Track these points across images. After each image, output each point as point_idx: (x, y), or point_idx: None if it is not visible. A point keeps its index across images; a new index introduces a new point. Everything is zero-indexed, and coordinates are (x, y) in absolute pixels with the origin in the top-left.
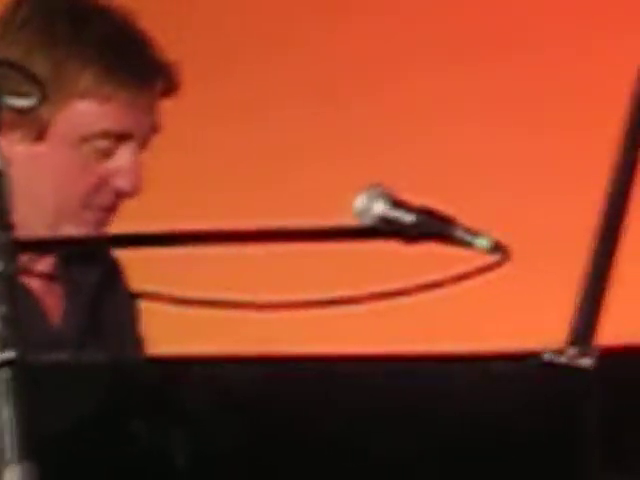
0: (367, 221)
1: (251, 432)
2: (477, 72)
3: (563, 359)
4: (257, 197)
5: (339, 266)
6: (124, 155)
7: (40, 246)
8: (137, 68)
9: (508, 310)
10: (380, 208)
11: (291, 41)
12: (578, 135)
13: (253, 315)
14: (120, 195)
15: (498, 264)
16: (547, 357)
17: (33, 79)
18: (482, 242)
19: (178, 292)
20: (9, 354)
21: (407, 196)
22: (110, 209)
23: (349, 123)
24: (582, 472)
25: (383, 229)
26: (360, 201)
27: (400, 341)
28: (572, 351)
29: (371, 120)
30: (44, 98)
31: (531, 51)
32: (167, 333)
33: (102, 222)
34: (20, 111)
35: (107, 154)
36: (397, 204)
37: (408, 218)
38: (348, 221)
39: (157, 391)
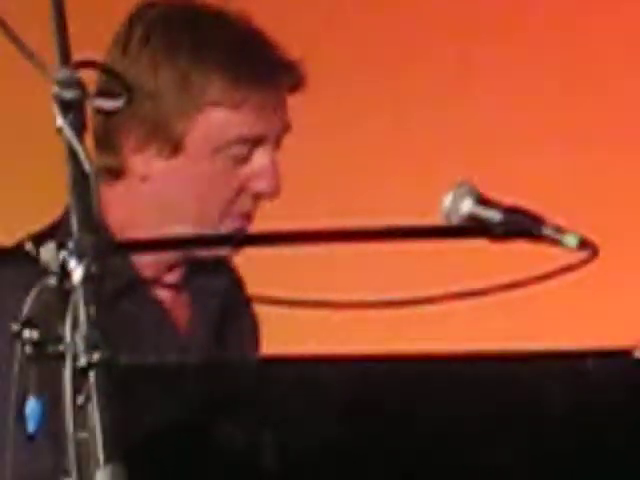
0: (455, 220)
1: (342, 433)
2: None
3: None
4: (344, 198)
5: (426, 265)
6: (260, 158)
7: (142, 247)
8: (263, 70)
9: (597, 307)
10: (468, 206)
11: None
12: None
13: (345, 315)
14: (259, 198)
15: (587, 261)
16: (637, 354)
17: (119, 80)
18: (570, 240)
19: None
20: (97, 355)
21: (494, 194)
22: (249, 215)
23: (437, 122)
24: None
25: (471, 228)
26: (448, 200)
27: (489, 340)
28: None
29: (463, 119)
30: (131, 99)
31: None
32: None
33: (242, 229)
34: (107, 113)
35: (244, 160)
36: (484, 202)
37: (496, 216)
38: (436, 220)
39: (249, 392)
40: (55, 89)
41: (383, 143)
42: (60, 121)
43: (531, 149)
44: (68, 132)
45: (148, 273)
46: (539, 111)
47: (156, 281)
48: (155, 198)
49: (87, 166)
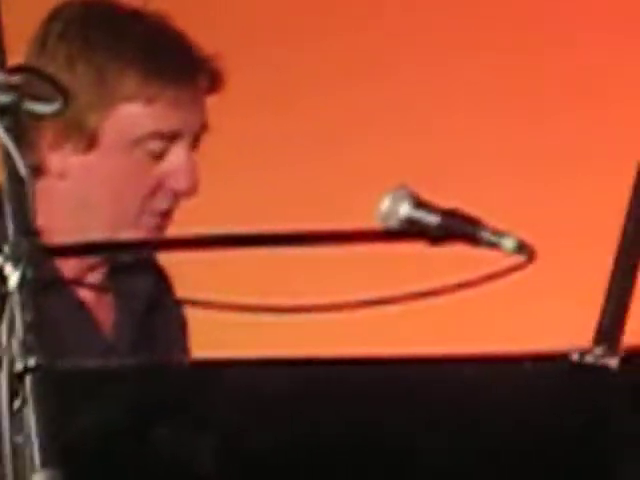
0: (392, 223)
1: (279, 436)
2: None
3: (590, 359)
4: (279, 202)
5: (363, 269)
6: (176, 155)
7: (69, 251)
8: (178, 65)
9: (534, 310)
10: (405, 210)
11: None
12: (607, 128)
13: (280, 319)
14: (177, 196)
15: (524, 264)
16: (574, 357)
17: (55, 84)
18: (508, 243)
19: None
20: (33, 360)
21: (430, 196)
22: (167, 213)
23: (355, 120)
24: (612, 471)
25: (408, 231)
26: (385, 203)
27: (426, 343)
28: (599, 351)
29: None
30: (66, 104)
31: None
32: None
33: (160, 227)
34: (42, 117)
35: (159, 156)
36: (422, 205)
37: (433, 219)
38: (373, 223)
39: (184, 395)
40: None
41: (324, 147)
42: None
43: (467, 154)
44: (3, 136)
45: (70, 274)
46: (473, 118)
47: (78, 282)
48: (72, 195)
49: (23, 170)
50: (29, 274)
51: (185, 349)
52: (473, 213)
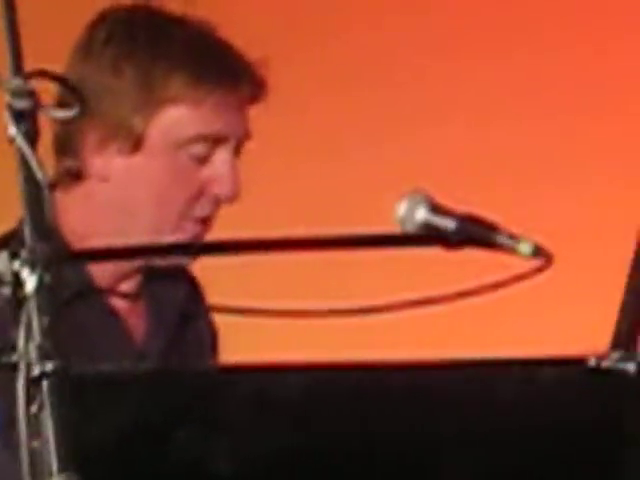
0: (409, 228)
1: (293, 441)
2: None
3: (607, 364)
4: (302, 207)
5: (381, 274)
6: (220, 159)
7: (95, 256)
8: (225, 70)
9: (551, 315)
10: (422, 214)
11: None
12: (628, 129)
13: (298, 323)
14: (218, 202)
15: (541, 269)
16: (591, 362)
17: (72, 89)
18: (525, 247)
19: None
20: (50, 365)
21: (447, 201)
22: (208, 220)
23: (372, 126)
24: (628, 476)
25: (425, 236)
26: (402, 207)
27: (442, 348)
28: (615, 355)
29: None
30: (84, 108)
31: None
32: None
33: (201, 234)
34: (62, 122)
35: (203, 160)
36: (439, 210)
37: (450, 224)
38: (389, 228)
39: (200, 400)
40: (7, 98)
41: (340, 151)
42: (12, 130)
43: (484, 159)
44: (20, 141)
45: (103, 282)
46: (491, 123)
47: (111, 290)
48: (115, 199)
49: (40, 175)
50: (46, 279)
51: (216, 357)
52: (490, 217)
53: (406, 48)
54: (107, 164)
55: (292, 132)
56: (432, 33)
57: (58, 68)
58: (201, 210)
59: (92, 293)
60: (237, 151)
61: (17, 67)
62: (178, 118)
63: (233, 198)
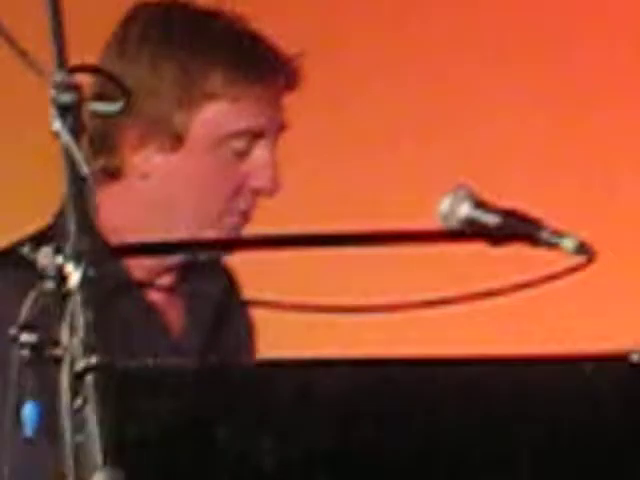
0: (453, 224)
1: (338, 436)
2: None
3: None
4: (342, 202)
5: (425, 269)
6: (260, 153)
7: (137, 251)
8: (262, 63)
9: (594, 311)
10: (465, 210)
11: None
12: None
13: (345, 319)
14: (258, 195)
15: (584, 265)
16: (634, 358)
17: (117, 83)
18: (568, 243)
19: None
20: (94, 359)
21: (490, 197)
22: (247, 213)
23: (417, 122)
24: None
25: (469, 231)
26: (445, 203)
27: (486, 344)
28: None
29: (462, 127)
30: (129, 102)
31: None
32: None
33: (239, 227)
34: (100, 119)
35: (243, 154)
36: (482, 206)
37: (493, 220)
38: (433, 224)
39: (243, 396)
40: (52, 93)
41: (382, 147)
42: (57, 125)
43: (528, 154)
44: (65, 136)
45: (141, 276)
46: (536, 119)
47: (149, 284)
48: (155, 196)
49: (84, 169)
50: (90, 273)
51: (253, 352)
52: (533, 213)
53: (450, 44)
54: (147, 162)
55: (335, 127)
56: (474, 25)
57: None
58: (240, 204)
59: (131, 287)
60: (274, 143)
61: (61, 61)
62: (218, 114)
63: (273, 191)
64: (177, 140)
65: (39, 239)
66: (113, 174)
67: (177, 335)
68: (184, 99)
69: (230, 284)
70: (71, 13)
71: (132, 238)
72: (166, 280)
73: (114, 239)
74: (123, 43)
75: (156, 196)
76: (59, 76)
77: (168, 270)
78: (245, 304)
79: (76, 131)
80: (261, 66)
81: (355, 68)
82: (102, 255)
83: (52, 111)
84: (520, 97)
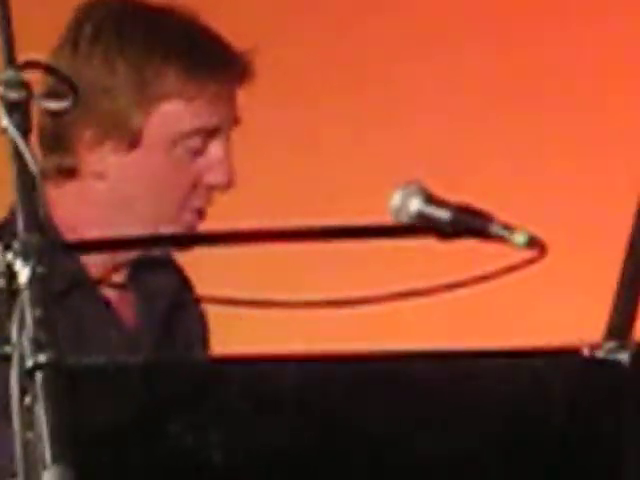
0: (403, 218)
1: (288, 431)
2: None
3: (601, 354)
4: (291, 196)
5: (374, 265)
6: (215, 150)
7: (88, 248)
8: (216, 61)
9: (545, 305)
10: (416, 205)
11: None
12: (618, 122)
13: (288, 314)
14: (213, 191)
15: (535, 259)
16: (585, 352)
17: (65, 80)
18: (519, 238)
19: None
20: (43, 357)
21: (441, 192)
22: (203, 210)
23: (368, 117)
24: (623, 467)
25: (419, 226)
26: (396, 198)
27: (436, 338)
28: (610, 346)
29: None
30: (77, 100)
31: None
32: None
33: (195, 224)
34: (53, 117)
35: (199, 152)
36: (433, 201)
37: (444, 215)
38: (383, 219)
39: (194, 391)
40: (0, 89)
41: (333, 143)
42: (5, 121)
43: (478, 149)
44: (13, 132)
45: (94, 272)
46: (487, 112)
47: (102, 281)
48: (111, 195)
49: (33, 167)
50: (39, 270)
51: (207, 347)
52: (484, 208)
53: (399, 39)
54: (102, 161)
55: (286, 123)
56: (424, 23)
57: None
58: (197, 201)
59: (85, 283)
60: (228, 137)
61: (9, 58)
62: (174, 113)
63: (228, 186)
64: (132, 140)
65: None
66: (69, 173)
67: (131, 330)
68: (139, 99)
69: (182, 280)
70: (19, 10)
71: (89, 236)
72: (118, 277)
73: (71, 237)
74: (76, 41)
75: (112, 195)
76: (7, 73)
77: (120, 267)
78: (198, 300)
79: (24, 128)
80: (215, 65)
81: (307, 61)
82: (53, 252)
83: (0, 108)
84: (474, 89)
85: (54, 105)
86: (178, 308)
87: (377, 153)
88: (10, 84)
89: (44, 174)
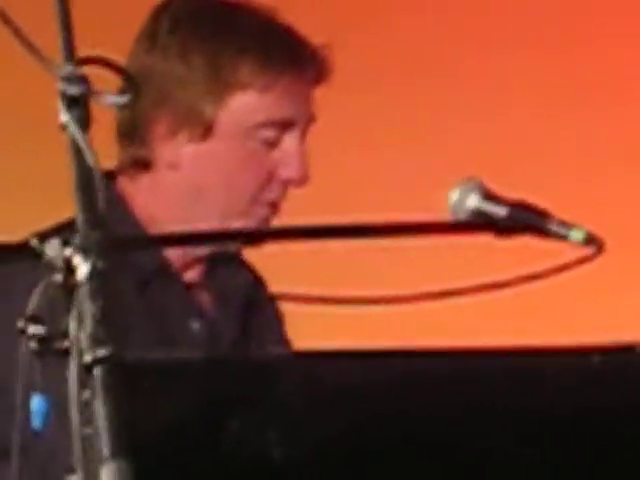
0: (461, 215)
1: (346, 428)
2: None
3: None
4: (351, 194)
5: (433, 261)
6: (289, 144)
7: (152, 243)
8: (292, 54)
9: (602, 303)
10: (474, 202)
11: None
12: None
13: (362, 310)
14: (287, 186)
15: (593, 256)
16: None
17: (125, 75)
18: (576, 235)
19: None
20: (102, 352)
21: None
22: (276, 204)
23: (428, 115)
24: None
25: (477, 223)
26: (454, 195)
27: (494, 336)
28: None
29: (467, 119)
30: (137, 93)
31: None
32: None
33: (269, 218)
34: (129, 110)
35: (272, 144)
36: (491, 197)
37: (502, 211)
38: (442, 215)
39: (253, 388)
40: (60, 85)
41: (392, 141)
42: (65, 117)
43: (536, 147)
44: (73, 128)
45: (176, 263)
46: (542, 112)
47: (180, 275)
48: (185, 185)
49: (92, 162)
50: (99, 265)
51: (286, 344)
52: (542, 205)
53: (454, 38)
54: (177, 152)
55: (351, 119)
56: (448, 27)
57: (110, 55)
58: (270, 194)
59: (167, 273)
60: (304, 134)
61: (69, 53)
62: (248, 104)
63: (302, 182)
64: (206, 130)
65: (53, 233)
66: (144, 165)
67: (212, 320)
68: (213, 89)
69: (257, 278)
70: (79, 5)
71: (167, 228)
72: (195, 272)
73: (152, 229)
74: (153, 35)
75: (186, 186)
76: (67, 68)
77: (197, 261)
78: (273, 297)
79: (84, 124)
80: (290, 56)
81: (368, 63)
82: (114, 248)
83: (60, 103)
84: (524, 90)
85: (114, 100)
86: (253, 306)
87: (434, 152)
88: (69, 79)
89: (120, 167)
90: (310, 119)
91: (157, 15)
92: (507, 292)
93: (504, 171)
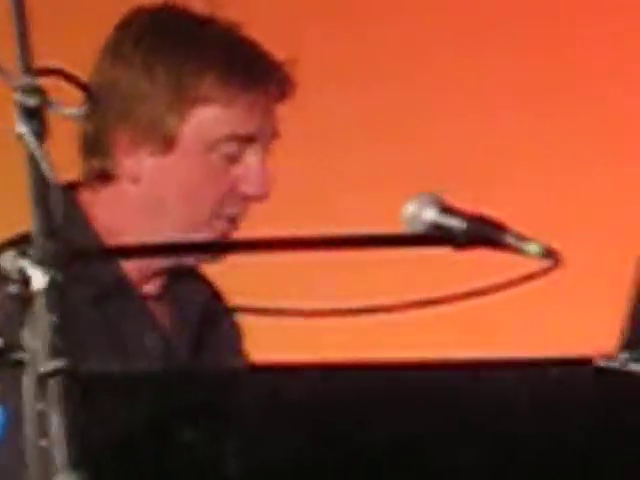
0: (417, 228)
1: (302, 441)
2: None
3: (615, 364)
4: (308, 210)
5: (388, 274)
6: (250, 159)
7: (108, 255)
8: (254, 70)
9: (559, 316)
10: (430, 215)
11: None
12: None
13: (304, 323)
14: (248, 201)
15: (550, 269)
16: (599, 362)
17: (82, 86)
18: (533, 248)
19: None
20: (57, 363)
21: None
22: (236, 219)
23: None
24: (636, 477)
25: (435, 236)
26: (410, 208)
27: (450, 349)
28: (623, 356)
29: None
30: (99, 106)
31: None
32: None
33: (229, 232)
34: (91, 122)
35: (234, 159)
36: (447, 210)
37: (459, 224)
38: (397, 228)
39: (210, 400)
40: (17, 96)
41: (355, 154)
42: (21, 128)
43: (495, 160)
44: (29, 138)
45: (134, 277)
46: (502, 123)
47: (138, 289)
48: (146, 199)
49: (48, 173)
50: (54, 276)
51: (243, 356)
52: (498, 218)
53: (412, 43)
54: (139, 165)
55: (297, 130)
56: (437, 28)
57: (67, 66)
58: (231, 209)
59: (125, 287)
60: (265, 150)
61: (26, 64)
62: (210, 118)
63: (262, 198)
64: (168, 143)
65: (11, 245)
66: (106, 177)
67: (167, 334)
68: (176, 103)
69: (214, 292)
70: (36, 17)
71: (127, 240)
72: (153, 285)
73: (112, 241)
74: (117, 49)
75: (147, 199)
76: (24, 79)
77: (156, 274)
78: (231, 310)
79: (40, 134)
80: (254, 71)
81: (319, 66)
82: (69, 258)
83: (16, 114)
84: (488, 98)
85: (71, 111)
86: (210, 320)
87: (392, 163)
88: (27, 90)
89: (83, 180)
90: (273, 134)
91: (121, 28)
92: (462, 305)
93: (459, 183)
